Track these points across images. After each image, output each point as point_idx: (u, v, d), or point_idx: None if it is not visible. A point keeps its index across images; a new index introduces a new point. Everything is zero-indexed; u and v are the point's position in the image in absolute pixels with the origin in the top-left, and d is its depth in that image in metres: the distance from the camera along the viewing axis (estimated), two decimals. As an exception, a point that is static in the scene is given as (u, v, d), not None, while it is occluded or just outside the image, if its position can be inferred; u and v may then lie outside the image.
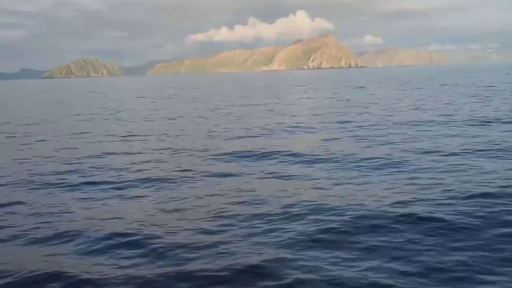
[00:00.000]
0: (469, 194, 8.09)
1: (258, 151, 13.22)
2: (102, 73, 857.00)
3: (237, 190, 9.44)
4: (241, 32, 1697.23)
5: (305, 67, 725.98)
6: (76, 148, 15.28)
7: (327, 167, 11.05)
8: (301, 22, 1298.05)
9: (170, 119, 23.24)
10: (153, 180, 10.49)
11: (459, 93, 34.55)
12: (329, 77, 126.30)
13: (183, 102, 38.32)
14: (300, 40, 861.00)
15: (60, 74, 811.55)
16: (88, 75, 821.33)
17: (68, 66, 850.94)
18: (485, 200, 7.80)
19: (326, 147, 13.57)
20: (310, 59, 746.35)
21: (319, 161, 11.78)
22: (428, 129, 16.17)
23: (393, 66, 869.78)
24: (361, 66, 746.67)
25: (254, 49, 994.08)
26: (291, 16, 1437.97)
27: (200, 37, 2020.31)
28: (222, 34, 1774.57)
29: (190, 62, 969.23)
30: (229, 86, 78.86)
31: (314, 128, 18.33)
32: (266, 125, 19.08)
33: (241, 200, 8.49)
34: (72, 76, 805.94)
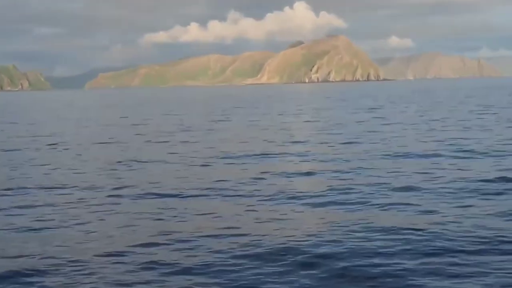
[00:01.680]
0: None
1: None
2: (21, 85, 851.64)
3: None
4: (217, 30, 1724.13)
5: (307, 80, 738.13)
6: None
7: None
8: (300, 18, 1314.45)
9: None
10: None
11: None
12: (340, 95, 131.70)
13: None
14: (300, 42, 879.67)
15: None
16: (1, 88, 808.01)
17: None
18: None
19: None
20: (314, 69, 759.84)
21: None
22: None
23: (429, 79, 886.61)
24: (385, 79, 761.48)
25: (235, 54, 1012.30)
26: (286, 9, 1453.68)
27: (160, 37, 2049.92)
28: (191, 33, 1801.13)
29: (146, 71, 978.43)
30: (180, 107, 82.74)
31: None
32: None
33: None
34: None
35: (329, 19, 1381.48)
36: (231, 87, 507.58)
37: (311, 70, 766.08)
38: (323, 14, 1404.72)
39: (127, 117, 57.64)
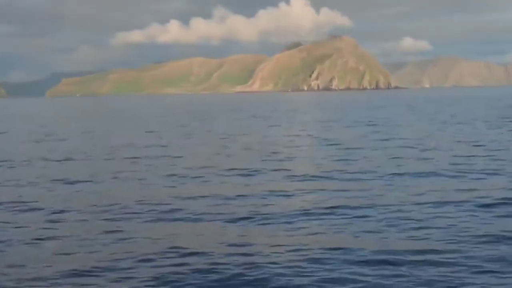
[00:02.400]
0: None
1: None
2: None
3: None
4: (201, 29, 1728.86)
5: (305, 88, 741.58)
6: None
7: None
8: (298, 15, 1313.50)
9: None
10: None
11: None
12: (346, 105, 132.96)
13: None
14: (297, 44, 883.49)
15: None
16: None
17: None
18: None
19: None
20: (314, 75, 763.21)
21: None
22: None
23: (449, 88, 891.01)
24: (397, 87, 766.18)
25: (223, 56, 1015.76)
26: (282, 4, 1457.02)
27: (134, 36, 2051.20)
28: (171, 32, 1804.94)
29: (118, 76, 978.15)
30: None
31: None
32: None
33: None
34: None
35: (332, 17, 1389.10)
36: (217, 95, 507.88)
37: (310, 76, 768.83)
38: (324, 11, 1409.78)
39: (92, 131, 58.09)
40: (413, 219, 15.71)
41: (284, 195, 19.68)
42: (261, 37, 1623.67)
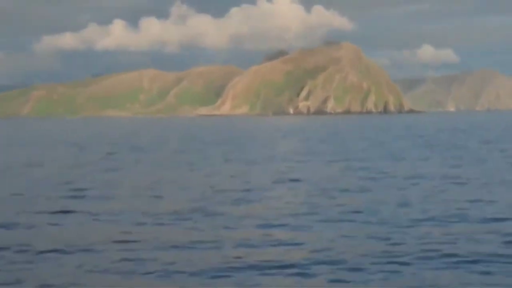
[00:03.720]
0: None
1: None
2: None
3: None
4: (155, 32, 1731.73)
5: (291, 110, 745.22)
6: None
7: None
8: (283, 15, 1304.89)
9: None
10: None
11: None
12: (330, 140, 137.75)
13: None
14: (282, 53, 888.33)
15: None
16: None
17: None
18: None
19: None
20: (303, 93, 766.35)
21: None
22: None
23: (481, 112, 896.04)
24: (412, 110, 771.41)
25: (183, 69, 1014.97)
26: (261, 1, 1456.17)
27: (66, 41, 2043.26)
28: (115, 35, 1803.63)
29: (44, 93, 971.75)
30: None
31: None
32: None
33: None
34: None
35: (327, 18, 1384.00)
36: (174, 119, 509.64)
37: (298, 96, 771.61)
38: (317, 9, 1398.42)
39: None
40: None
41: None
42: (234, 44, 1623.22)
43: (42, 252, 24.03)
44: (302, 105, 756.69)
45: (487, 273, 20.76)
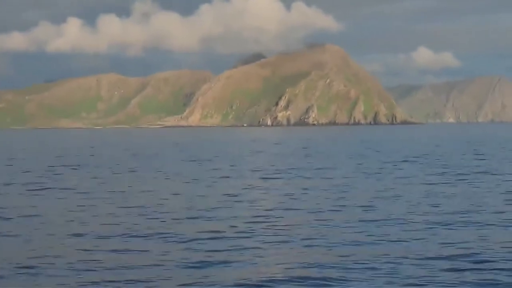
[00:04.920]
0: None
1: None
2: None
3: None
4: (115, 32, 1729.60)
5: (269, 121, 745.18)
6: None
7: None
8: (259, 13, 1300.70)
9: None
10: None
11: None
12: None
13: None
14: (258, 56, 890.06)
15: None
16: None
17: None
18: None
19: None
20: (282, 102, 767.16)
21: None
22: None
23: (485, 123, 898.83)
24: (406, 122, 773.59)
25: (146, 74, 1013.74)
26: None
27: (12, 41, 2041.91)
28: (69, 35, 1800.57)
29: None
30: None
31: None
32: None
33: None
34: None
35: (310, 16, 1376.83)
36: (136, 130, 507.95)
37: (277, 105, 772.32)
38: (298, 7, 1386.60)
39: None
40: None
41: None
42: (204, 45, 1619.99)
43: None
44: (281, 115, 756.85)
45: None
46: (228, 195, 53.69)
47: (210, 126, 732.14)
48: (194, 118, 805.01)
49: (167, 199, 51.83)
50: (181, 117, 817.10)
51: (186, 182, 66.79)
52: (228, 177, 71.63)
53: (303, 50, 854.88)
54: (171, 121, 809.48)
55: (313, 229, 37.05)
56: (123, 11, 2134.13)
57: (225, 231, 36.14)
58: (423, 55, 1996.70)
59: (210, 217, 41.52)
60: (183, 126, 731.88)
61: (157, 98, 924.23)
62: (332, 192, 55.01)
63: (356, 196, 52.32)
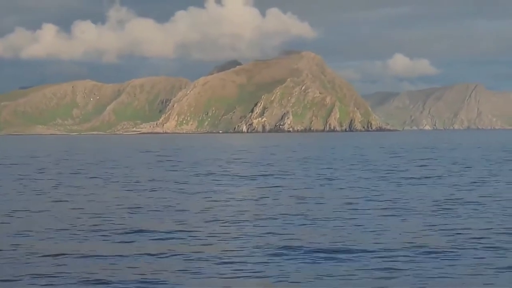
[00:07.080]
0: None
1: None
2: None
3: None
4: (90, 38, 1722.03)
5: (244, 128, 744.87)
6: None
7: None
8: (235, 19, 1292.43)
9: None
10: None
11: None
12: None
13: None
14: (234, 63, 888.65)
15: None
16: None
17: None
18: None
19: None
20: (257, 109, 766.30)
21: None
22: None
23: (460, 130, 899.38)
24: (381, 129, 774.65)
25: (121, 80, 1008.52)
26: (210, 3, 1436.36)
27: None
28: (44, 41, 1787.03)
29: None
30: None
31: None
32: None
33: None
34: None
35: (285, 23, 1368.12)
36: (112, 137, 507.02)
37: (252, 112, 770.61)
38: (273, 13, 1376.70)
39: None
40: None
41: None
42: (180, 52, 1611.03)
43: None
44: (257, 122, 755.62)
45: None
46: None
47: (185, 133, 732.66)
48: (170, 124, 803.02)
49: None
50: (156, 124, 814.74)
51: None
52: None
53: (279, 57, 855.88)
54: (146, 127, 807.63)
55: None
56: (99, 18, 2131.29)
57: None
58: (400, 62, 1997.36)
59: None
60: (158, 133, 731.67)
61: (133, 105, 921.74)
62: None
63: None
